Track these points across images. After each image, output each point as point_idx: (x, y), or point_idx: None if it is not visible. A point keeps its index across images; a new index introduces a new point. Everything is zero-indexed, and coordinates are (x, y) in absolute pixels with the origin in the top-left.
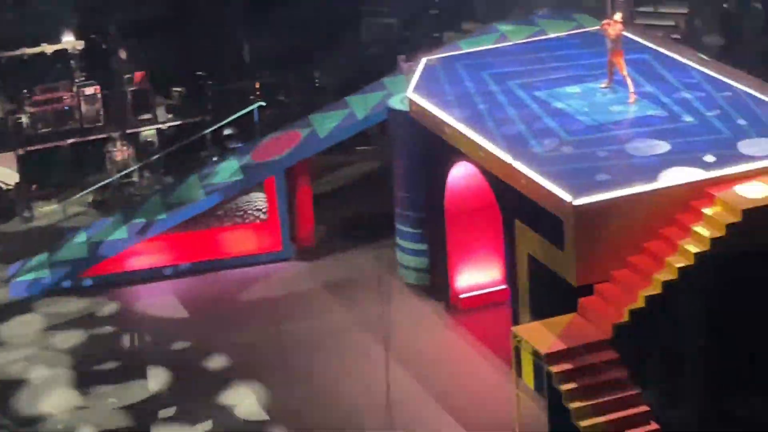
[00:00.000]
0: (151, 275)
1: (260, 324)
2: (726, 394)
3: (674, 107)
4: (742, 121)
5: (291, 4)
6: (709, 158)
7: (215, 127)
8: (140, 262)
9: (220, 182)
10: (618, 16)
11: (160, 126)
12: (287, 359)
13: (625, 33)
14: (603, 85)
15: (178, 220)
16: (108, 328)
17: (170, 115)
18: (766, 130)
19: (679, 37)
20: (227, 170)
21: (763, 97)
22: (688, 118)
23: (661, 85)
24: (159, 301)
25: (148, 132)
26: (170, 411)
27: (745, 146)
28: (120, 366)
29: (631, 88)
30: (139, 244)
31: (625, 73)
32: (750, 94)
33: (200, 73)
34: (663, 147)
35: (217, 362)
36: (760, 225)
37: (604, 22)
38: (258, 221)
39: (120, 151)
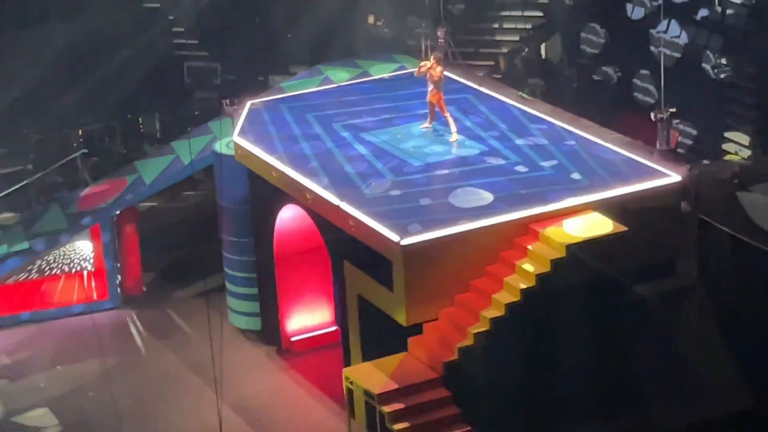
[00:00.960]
0: None
1: (88, 373)
2: (555, 428)
3: (495, 144)
4: (560, 156)
5: (112, 49)
6: (533, 194)
7: (38, 175)
8: None
9: (44, 231)
10: (435, 58)
11: None
12: (116, 407)
13: (446, 73)
14: (424, 126)
15: (1, 271)
16: None
17: None
18: (585, 165)
19: (500, 76)
20: (51, 219)
21: (580, 132)
22: (510, 155)
23: (482, 123)
24: None
25: None
26: None
27: (561, 181)
28: None
29: (453, 128)
30: None
31: (446, 113)
32: (569, 130)
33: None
34: (486, 196)
35: (42, 417)
36: (583, 260)
37: (422, 64)
38: (84, 270)
39: None
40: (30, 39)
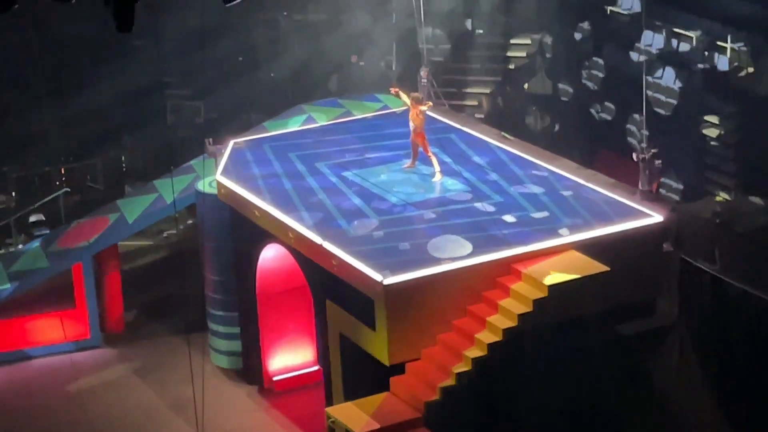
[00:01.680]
0: None
1: (68, 413)
2: None
3: (478, 184)
4: (542, 196)
5: (94, 86)
6: (515, 234)
7: (20, 213)
8: None
9: (24, 269)
10: (414, 99)
11: None
12: None
13: (429, 113)
14: (406, 166)
15: None
16: None
17: None
18: (567, 205)
19: (482, 116)
20: (32, 257)
21: (562, 172)
22: (492, 194)
23: (465, 163)
24: None
25: None
26: None
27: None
28: None
29: (437, 167)
30: None
31: (430, 153)
32: (551, 170)
33: None
34: (466, 247)
35: None
36: (565, 300)
37: (393, 89)
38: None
39: None
40: (10, 79)
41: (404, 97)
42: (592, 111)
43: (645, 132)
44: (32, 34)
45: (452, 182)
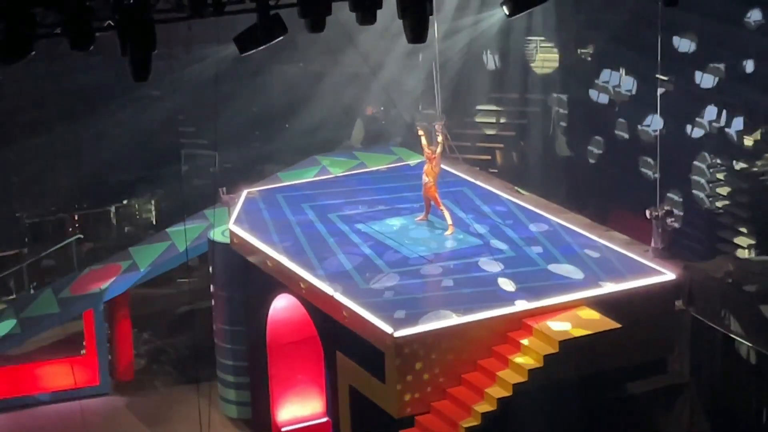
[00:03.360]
0: None
1: None
2: None
3: (490, 238)
4: (555, 251)
5: (107, 133)
6: (527, 289)
7: (32, 259)
8: None
9: (35, 315)
10: (430, 151)
11: None
12: None
13: (442, 166)
14: (419, 218)
15: None
16: None
17: None
18: (580, 261)
19: (496, 170)
20: (43, 303)
21: (574, 227)
22: (504, 248)
23: (477, 217)
24: None
25: None
26: None
27: (555, 277)
28: None
29: (449, 220)
30: None
31: (442, 207)
32: (564, 226)
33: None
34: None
35: None
36: (576, 356)
37: (420, 130)
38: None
39: None
40: (27, 125)
41: (424, 141)
42: (608, 167)
43: (657, 189)
44: (49, 81)
45: (464, 236)
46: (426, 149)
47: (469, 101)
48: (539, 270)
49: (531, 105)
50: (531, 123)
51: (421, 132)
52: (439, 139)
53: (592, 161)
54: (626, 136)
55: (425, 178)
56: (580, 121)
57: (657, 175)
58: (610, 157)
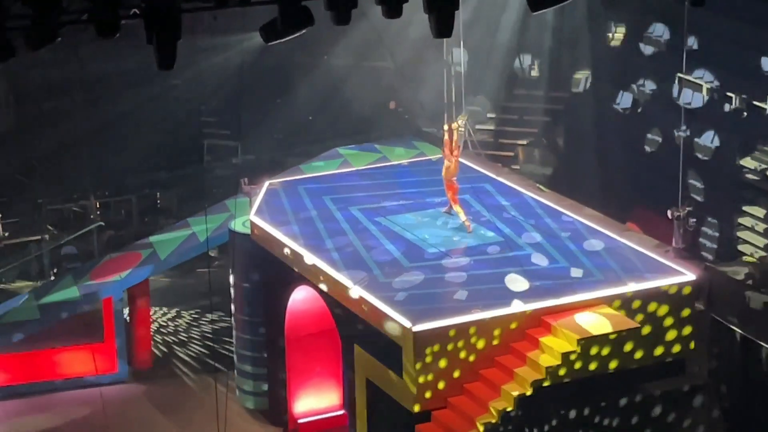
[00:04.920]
0: None
1: None
2: None
3: (511, 235)
4: (576, 250)
5: (132, 124)
6: (546, 287)
7: (54, 246)
8: None
9: (56, 301)
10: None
11: None
12: None
13: (464, 161)
14: (444, 210)
15: (11, 341)
16: None
17: (6, 233)
18: (600, 260)
19: (518, 167)
20: (64, 290)
21: (596, 226)
22: (524, 245)
23: (499, 214)
24: None
25: None
26: None
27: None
28: None
29: (463, 218)
30: None
31: (458, 205)
32: (585, 225)
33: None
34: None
35: None
36: (594, 354)
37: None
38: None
39: None
40: (51, 112)
41: (446, 137)
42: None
43: (679, 189)
44: (74, 68)
45: (484, 231)
46: (446, 147)
47: (493, 97)
48: (559, 267)
49: (555, 103)
50: (555, 119)
51: (446, 127)
52: (455, 137)
53: (617, 157)
54: (659, 140)
55: (444, 172)
56: (608, 122)
57: (679, 175)
58: (635, 159)
